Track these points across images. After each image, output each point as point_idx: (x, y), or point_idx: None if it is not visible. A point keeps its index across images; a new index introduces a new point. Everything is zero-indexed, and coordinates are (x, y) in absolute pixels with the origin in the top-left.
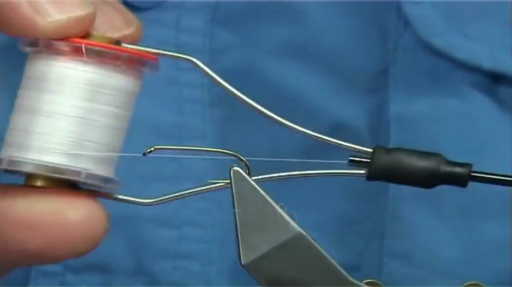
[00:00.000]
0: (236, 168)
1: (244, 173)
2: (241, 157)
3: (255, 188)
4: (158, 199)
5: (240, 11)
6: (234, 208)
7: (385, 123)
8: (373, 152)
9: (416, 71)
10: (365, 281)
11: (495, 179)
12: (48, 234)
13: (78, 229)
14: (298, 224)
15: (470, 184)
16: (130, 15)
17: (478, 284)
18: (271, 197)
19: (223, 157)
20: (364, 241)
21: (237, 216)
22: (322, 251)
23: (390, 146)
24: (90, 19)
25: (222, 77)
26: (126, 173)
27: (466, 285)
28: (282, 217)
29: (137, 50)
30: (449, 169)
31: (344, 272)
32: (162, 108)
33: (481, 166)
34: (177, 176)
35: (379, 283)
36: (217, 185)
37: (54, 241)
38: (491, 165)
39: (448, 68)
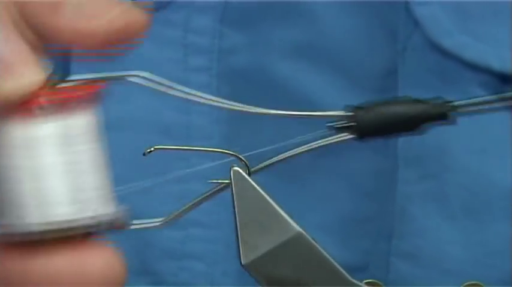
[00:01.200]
0: (236, 168)
1: (244, 173)
2: (241, 157)
3: (255, 188)
4: (168, 217)
5: (249, 11)
6: (234, 207)
7: None
8: (354, 114)
9: (425, 71)
10: (365, 281)
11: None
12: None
13: (99, 276)
14: (298, 224)
15: (478, 183)
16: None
17: (478, 284)
18: (271, 197)
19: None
20: (372, 241)
21: (237, 216)
22: (322, 251)
23: (399, 144)
24: (42, 83)
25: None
26: (133, 173)
27: (466, 285)
28: (282, 217)
29: (85, 81)
30: (428, 106)
31: (344, 272)
32: (170, 108)
33: (489, 166)
34: (183, 175)
35: (379, 283)
36: (217, 188)
37: None
38: (500, 165)
39: (457, 69)
